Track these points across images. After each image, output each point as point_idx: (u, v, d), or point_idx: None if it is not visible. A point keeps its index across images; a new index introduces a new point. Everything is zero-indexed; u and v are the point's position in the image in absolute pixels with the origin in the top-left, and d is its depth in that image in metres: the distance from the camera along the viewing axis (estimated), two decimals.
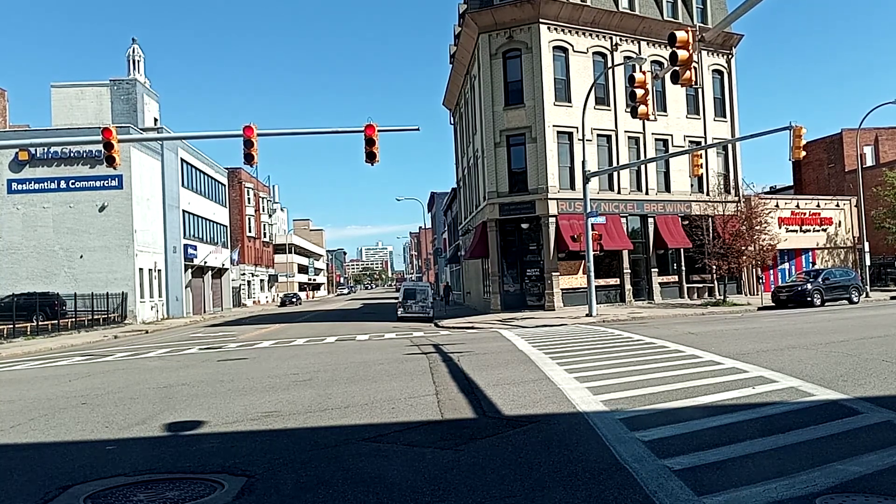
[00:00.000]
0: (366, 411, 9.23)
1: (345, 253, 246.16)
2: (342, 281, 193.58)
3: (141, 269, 44.94)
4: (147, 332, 35.76)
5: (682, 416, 8.17)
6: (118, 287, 42.65)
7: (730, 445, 6.76)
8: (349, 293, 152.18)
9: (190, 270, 55.12)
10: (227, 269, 67.85)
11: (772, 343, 15.40)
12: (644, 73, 18.11)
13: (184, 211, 54.46)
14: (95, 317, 38.91)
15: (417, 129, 22.37)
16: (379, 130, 21.38)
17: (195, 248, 56.00)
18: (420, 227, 76.74)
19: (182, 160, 55.15)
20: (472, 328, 26.92)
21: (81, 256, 42.57)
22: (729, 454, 6.48)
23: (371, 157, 21.08)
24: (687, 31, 14.73)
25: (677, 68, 14.87)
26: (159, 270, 48.96)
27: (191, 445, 8.03)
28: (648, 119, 18.53)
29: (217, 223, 65.41)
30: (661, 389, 9.84)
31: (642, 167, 37.52)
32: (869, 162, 53.99)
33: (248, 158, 21.11)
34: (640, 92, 17.70)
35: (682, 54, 14.68)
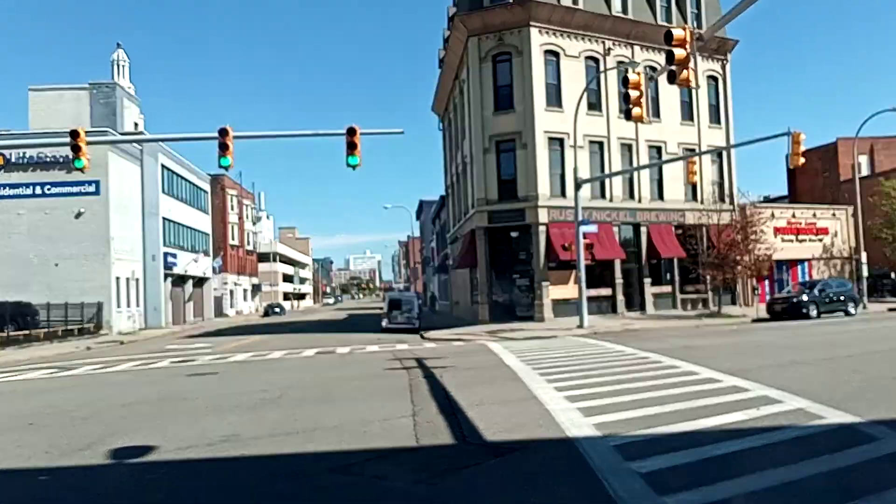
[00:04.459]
0: (334, 436, 8.33)
1: (331, 262, 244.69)
2: (328, 290, 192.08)
3: (118, 278, 43.81)
4: (122, 343, 34.63)
5: (681, 442, 7.33)
6: (94, 296, 41.49)
7: (737, 479, 5.97)
8: (335, 303, 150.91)
9: (170, 279, 53.92)
10: (208, 278, 66.64)
11: (772, 358, 14.61)
12: (638, 73, 17.36)
13: (164, 218, 53.28)
14: (70, 327, 37.78)
15: (401, 133, 21.58)
16: (361, 133, 20.55)
17: (175, 256, 54.84)
18: (409, 236, 75.73)
19: (163, 166, 54.02)
20: (460, 340, 26.03)
21: (56, 265, 41.39)
22: (737, 489, 5.70)
23: (352, 162, 20.23)
24: (684, 29, 13.99)
25: (674, 68, 14.09)
26: (137, 279, 47.80)
27: (133, 477, 7.14)
28: (642, 121, 17.78)
29: (199, 231, 64.25)
30: (658, 411, 9.00)
31: (635, 175, 36.82)
32: (864, 171, 53.58)
33: (224, 162, 20.20)
34: (634, 93, 16.94)
35: (679, 53, 13.92)
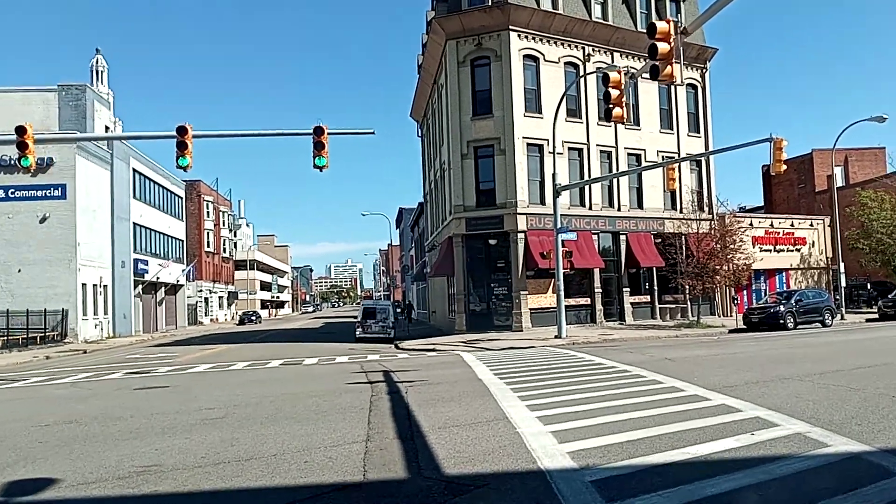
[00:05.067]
0: (269, 467, 7.23)
1: (311, 270, 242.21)
2: (308, 299, 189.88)
3: (84, 285, 42.24)
4: (85, 353, 33.20)
5: (669, 476, 6.34)
6: (59, 303, 39.97)
7: None
8: (314, 311, 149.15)
9: (140, 286, 52.37)
10: (182, 286, 64.98)
11: (758, 372, 13.72)
12: (620, 72, 16.50)
13: (135, 224, 51.80)
14: (32, 335, 36.23)
15: (372, 133, 20.51)
16: (329, 133, 19.49)
17: (146, 262, 53.29)
18: (389, 244, 74.59)
19: (134, 170, 52.60)
20: (434, 350, 25.02)
21: (19, 270, 39.83)
22: None
23: (320, 163, 19.16)
24: (668, 22, 13.13)
25: (657, 63, 13.23)
26: (105, 286, 46.18)
27: None
28: (623, 122, 16.92)
29: (172, 237, 62.67)
30: (641, 435, 8.02)
31: (615, 183, 36.11)
32: (839, 182, 53.48)
33: (182, 162, 19.03)
34: (614, 92, 16.08)
35: (663, 47, 13.05)
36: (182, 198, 67.98)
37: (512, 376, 14.39)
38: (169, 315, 62.72)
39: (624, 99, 16.29)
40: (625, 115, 16.54)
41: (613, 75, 16.28)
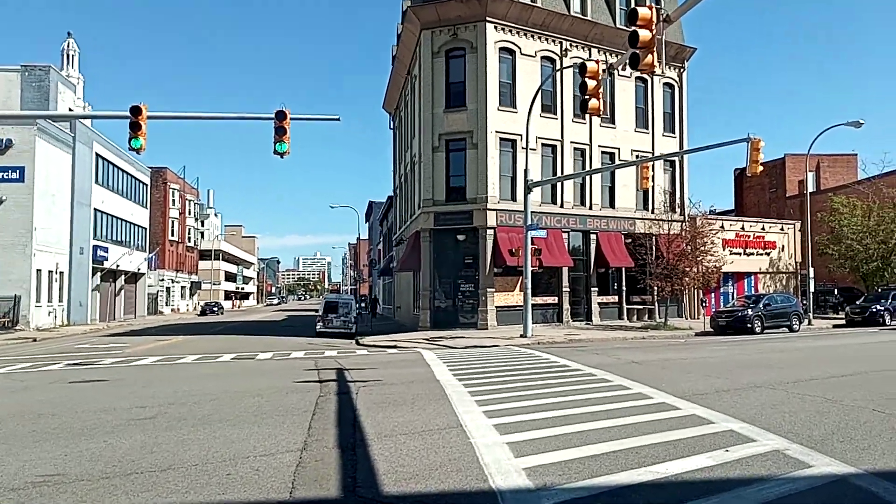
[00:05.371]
0: (186, 480, 6.35)
1: (278, 262, 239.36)
2: (274, 291, 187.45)
3: (39, 271, 40.64)
4: (35, 341, 31.77)
5: (635, 500, 5.62)
6: (12, 289, 38.41)
7: None
8: (279, 303, 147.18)
9: (99, 274, 50.62)
10: (143, 274, 63.21)
11: (729, 379, 13.13)
12: (598, 62, 15.80)
13: (96, 209, 50.05)
14: None
15: (337, 119, 19.61)
16: (292, 119, 18.54)
17: (106, 249, 51.54)
18: (357, 238, 73.53)
19: (97, 155, 50.83)
20: (395, 347, 24.20)
21: None
22: None
23: (280, 149, 18.20)
24: (650, 9, 12.43)
25: (638, 51, 12.54)
26: (62, 272, 44.54)
27: None
28: (598, 115, 16.22)
29: (135, 224, 60.87)
30: (605, 449, 7.30)
31: (587, 182, 35.59)
32: (811, 188, 53.82)
33: (135, 144, 17.96)
34: (591, 83, 15.37)
35: (644, 35, 12.37)
36: (147, 185, 66.16)
37: (471, 378, 13.63)
38: (128, 304, 60.95)
39: (600, 90, 15.59)
40: (601, 108, 15.85)
41: (591, 65, 15.57)
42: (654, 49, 12.51)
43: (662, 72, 11.64)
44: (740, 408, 9.80)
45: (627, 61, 12.78)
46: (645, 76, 38.21)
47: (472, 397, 10.92)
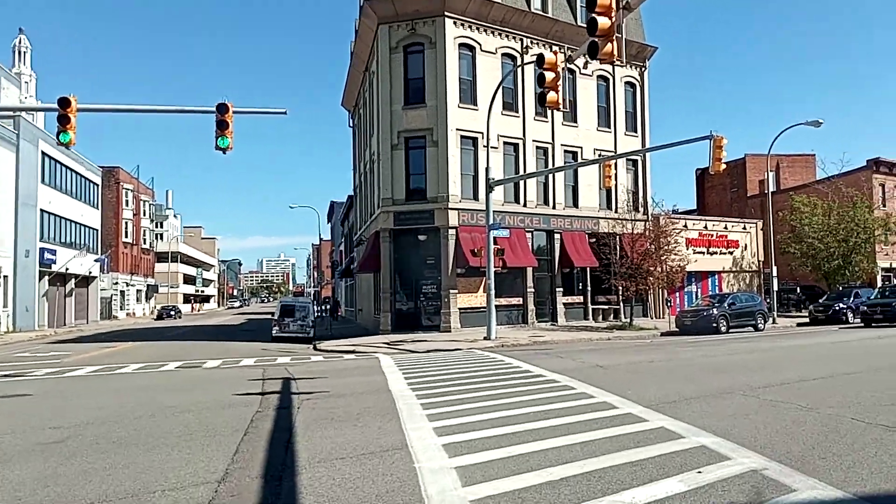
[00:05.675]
0: None
1: (240, 263, 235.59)
2: (235, 293, 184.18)
3: None
4: None
5: None
6: None
7: None
8: (241, 306, 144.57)
9: (47, 277, 48.63)
10: (95, 278, 61.06)
11: (697, 384, 12.48)
12: (556, 53, 15.06)
13: (42, 210, 48.09)
14: None
15: (284, 113, 18.55)
16: (235, 112, 17.46)
17: (54, 252, 49.55)
18: (320, 239, 72.20)
19: (44, 153, 48.83)
20: (353, 352, 23.23)
21: None
22: None
23: (222, 144, 17.11)
24: None
25: (597, 40, 11.81)
26: (5, 276, 42.62)
27: None
28: (557, 108, 15.47)
29: (86, 226, 58.75)
30: (566, 473, 6.49)
31: (550, 181, 35.01)
32: (771, 187, 54.25)
33: (64, 138, 16.70)
34: (549, 75, 14.62)
35: (603, 22, 11.66)
36: (98, 185, 63.97)
37: (427, 387, 12.76)
38: (80, 309, 58.83)
39: (559, 83, 14.85)
40: (560, 102, 15.12)
41: (549, 56, 14.83)
42: (614, 38, 11.81)
43: (623, 62, 11.04)
44: (711, 418, 9.10)
45: (586, 51, 12.02)
46: (606, 75, 37.84)
47: (423, 411, 10.04)
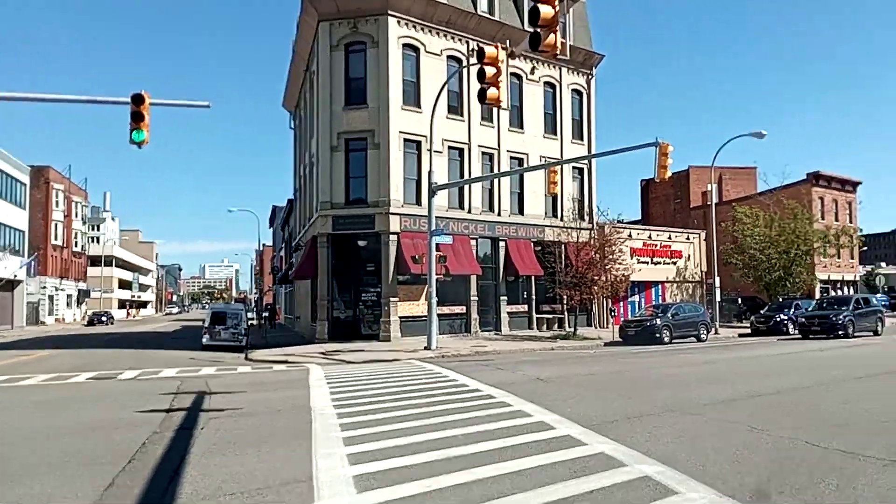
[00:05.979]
0: None
1: (180, 268, 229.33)
2: (174, 299, 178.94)
3: None
4: None
5: None
6: None
7: None
8: (179, 312, 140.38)
9: None
10: (20, 281, 57.91)
11: (642, 400, 11.76)
12: (497, 47, 14.23)
13: None
14: None
15: (208, 107, 17.30)
16: (152, 104, 16.14)
17: None
18: (263, 244, 70.25)
19: None
20: (285, 363, 21.99)
21: None
22: None
23: (137, 138, 15.77)
24: None
25: (539, 30, 11.04)
26: None
27: None
28: (499, 106, 14.67)
29: (11, 227, 55.77)
30: None
31: (496, 187, 34.37)
32: (713, 199, 54.95)
33: None
34: (490, 70, 13.81)
35: (546, 11, 10.90)
36: (25, 184, 60.91)
37: (352, 404, 11.71)
38: (3, 314, 55.76)
39: (500, 79, 14.04)
40: (501, 99, 14.31)
41: (490, 50, 14.02)
42: (557, 29, 11.05)
43: (567, 56, 10.37)
44: (655, 442, 8.32)
45: (528, 41, 11.22)
46: (553, 82, 37.47)
47: (341, 433, 9.00)
